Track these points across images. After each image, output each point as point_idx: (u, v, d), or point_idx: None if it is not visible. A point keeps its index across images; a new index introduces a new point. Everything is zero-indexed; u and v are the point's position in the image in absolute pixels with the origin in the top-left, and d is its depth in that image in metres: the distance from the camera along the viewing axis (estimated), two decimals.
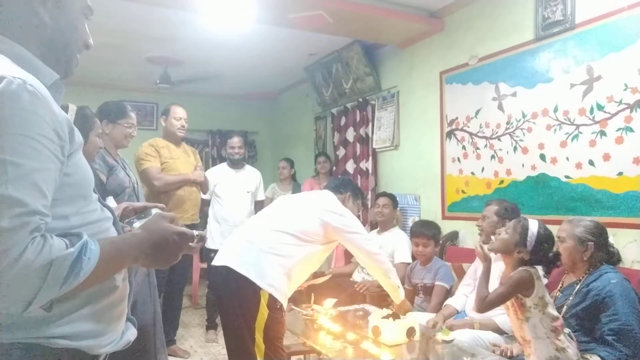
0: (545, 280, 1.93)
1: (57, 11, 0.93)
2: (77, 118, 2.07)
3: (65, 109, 2.05)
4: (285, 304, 2.13)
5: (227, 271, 2.05)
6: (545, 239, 1.85)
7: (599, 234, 2.07)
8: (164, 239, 0.93)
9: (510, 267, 1.89)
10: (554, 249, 1.93)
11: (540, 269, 1.86)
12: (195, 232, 0.98)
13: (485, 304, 1.88)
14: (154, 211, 1.10)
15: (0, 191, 0.72)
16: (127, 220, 1.14)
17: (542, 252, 1.84)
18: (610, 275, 1.97)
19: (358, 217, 2.68)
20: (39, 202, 0.76)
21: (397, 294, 2.44)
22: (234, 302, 2.06)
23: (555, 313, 1.82)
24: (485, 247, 1.98)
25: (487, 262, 1.93)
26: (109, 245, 0.86)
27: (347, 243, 2.32)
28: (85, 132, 1.96)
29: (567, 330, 1.86)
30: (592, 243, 2.04)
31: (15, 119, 0.75)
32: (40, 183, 0.77)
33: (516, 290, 1.82)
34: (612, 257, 2.08)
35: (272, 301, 2.04)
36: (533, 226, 1.87)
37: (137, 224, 1.05)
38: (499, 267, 2.43)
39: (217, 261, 2.15)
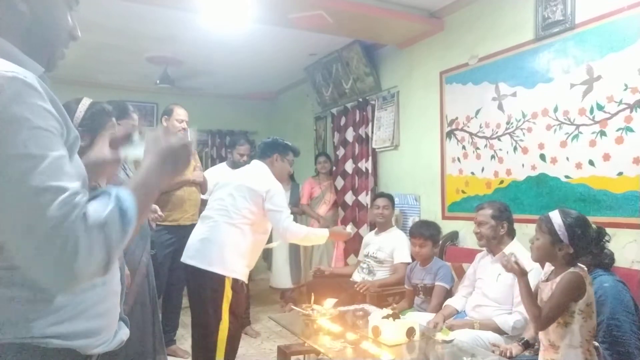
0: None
1: (35, 1, 0.89)
2: (87, 114, 1.95)
3: (78, 102, 1.96)
4: (246, 279, 2.55)
5: (195, 270, 2.45)
6: (574, 224, 1.74)
7: None
8: (173, 154, 0.96)
9: (561, 271, 1.79)
10: (591, 229, 1.81)
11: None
12: (189, 133, 1.02)
13: (542, 321, 1.75)
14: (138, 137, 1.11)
15: (39, 183, 0.73)
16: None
17: (578, 239, 1.73)
18: (604, 279, 1.93)
19: (291, 175, 2.93)
20: (74, 183, 0.77)
21: (324, 238, 2.74)
22: (204, 293, 2.45)
23: (594, 324, 1.72)
24: (518, 259, 1.86)
25: (523, 277, 1.81)
26: (133, 185, 0.88)
27: (268, 215, 2.54)
28: (94, 128, 1.86)
29: (596, 343, 1.77)
30: None
31: (26, 114, 0.76)
32: (67, 168, 0.78)
33: (569, 296, 1.71)
34: (603, 261, 2.01)
35: (235, 282, 2.45)
36: (555, 218, 1.78)
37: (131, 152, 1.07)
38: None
39: (185, 259, 2.54)
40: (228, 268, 2.43)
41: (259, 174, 2.63)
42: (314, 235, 2.74)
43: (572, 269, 1.74)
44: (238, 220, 2.49)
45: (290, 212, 2.63)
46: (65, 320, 0.85)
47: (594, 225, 2.00)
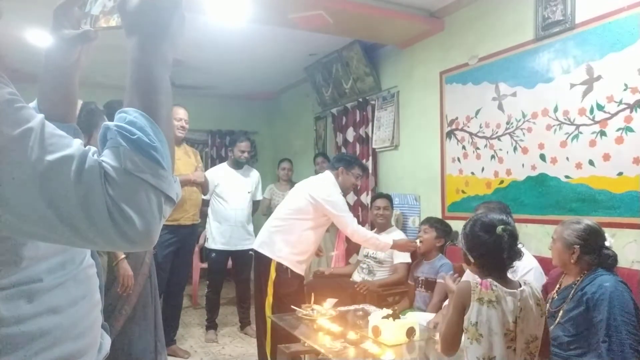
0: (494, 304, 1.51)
1: None
2: (81, 113, 1.97)
3: None
4: (292, 267, 2.92)
5: (254, 252, 3.07)
6: (469, 230, 1.64)
7: (587, 237, 2.00)
8: (149, 15, 0.74)
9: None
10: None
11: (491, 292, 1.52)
12: None
13: (441, 344, 1.59)
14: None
15: (44, 165, 0.62)
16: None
17: (470, 246, 1.63)
18: (604, 279, 1.92)
19: (356, 186, 3.32)
20: (74, 143, 0.66)
21: (387, 247, 3.09)
22: (257, 269, 3.06)
23: (491, 354, 1.49)
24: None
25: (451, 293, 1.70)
26: (134, 93, 0.71)
27: (334, 220, 3.01)
28: (89, 128, 1.88)
29: None
30: (578, 247, 1.99)
31: None
32: (56, 130, 0.66)
33: (456, 309, 1.55)
34: (606, 261, 2.00)
35: (279, 265, 2.91)
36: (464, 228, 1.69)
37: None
38: None
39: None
40: (275, 253, 2.93)
41: (322, 183, 3.06)
42: (378, 241, 3.08)
43: (466, 280, 1.63)
44: (293, 214, 2.98)
45: (353, 215, 3.07)
46: (54, 344, 0.76)
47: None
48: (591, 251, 2.00)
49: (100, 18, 0.85)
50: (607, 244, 2.04)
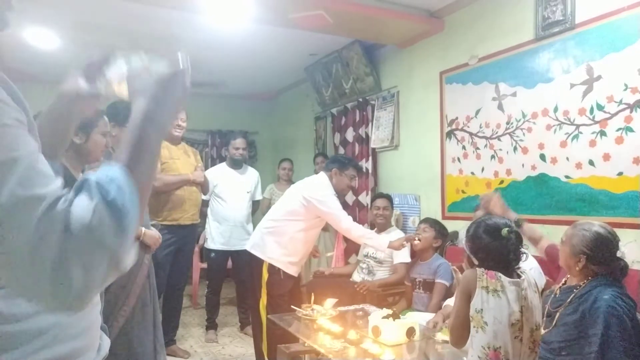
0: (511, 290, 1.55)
1: None
2: None
3: None
4: (284, 268, 2.93)
5: (247, 253, 3.07)
6: (472, 232, 1.66)
7: (596, 247, 1.85)
8: (164, 89, 0.79)
9: None
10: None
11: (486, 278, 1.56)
12: (180, 56, 0.85)
13: (450, 334, 1.62)
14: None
15: (19, 193, 0.59)
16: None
17: (474, 248, 1.66)
18: (605, 291, 1.80)
19: (351, 187, 3.31)
20: (52, 185, 0.63)
21: (382, 246, 3.06)
22: (251, 270, 3.07)
23: (496, 344, 1.49)
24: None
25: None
26: (125, 151, 0.70)
27: (327, 219, 3.03)
28: (87, 129, 1.88)
29: None
30: (585, 257, 1.85)
31: None
32: (40, 165, 0.64)
33: (462, 296, 1.58)
34: (614, 273, 1.87)
35: (271, 267, 2.93)
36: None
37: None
38: None
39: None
40: (266, 254, 2.95)
41: (315, 184, 3.09)
42: (375, 237, 3.15)
43: (472, 269, 1.64)
44: (285, 215, 3.00)
45: (347, 213, 3.06)
46: (53, 343, 0.76)
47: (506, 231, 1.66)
48: (599, 262, 1.87)
49: (112, 82, 0.89)
50: (619, 253, 1.91)
